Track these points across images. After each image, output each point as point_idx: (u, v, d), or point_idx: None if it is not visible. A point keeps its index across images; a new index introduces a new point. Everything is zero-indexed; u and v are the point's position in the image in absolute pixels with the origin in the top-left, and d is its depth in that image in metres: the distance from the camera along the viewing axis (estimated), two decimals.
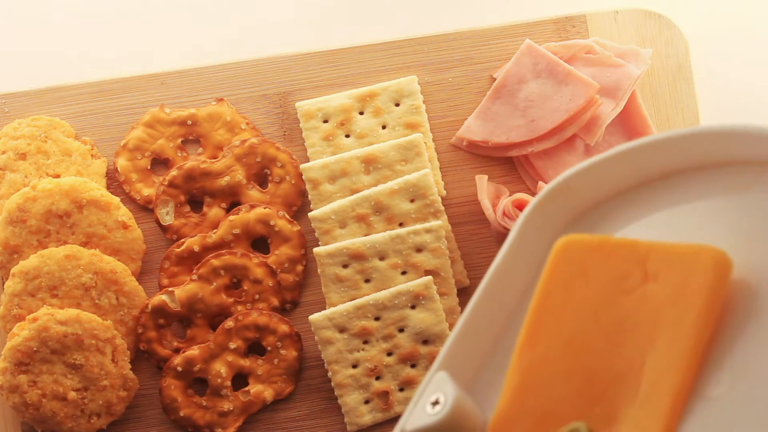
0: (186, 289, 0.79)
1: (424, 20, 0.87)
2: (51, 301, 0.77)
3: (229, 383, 0.79)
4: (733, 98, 0.86)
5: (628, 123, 0.82)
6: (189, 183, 0.81)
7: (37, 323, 0.75)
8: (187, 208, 0.82)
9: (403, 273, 0.79)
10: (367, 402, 0.79)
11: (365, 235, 0.79)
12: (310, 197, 0.81)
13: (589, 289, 0.54)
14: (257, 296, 0.80)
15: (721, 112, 0.85)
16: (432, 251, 0.79)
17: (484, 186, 0.79)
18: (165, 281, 0.81)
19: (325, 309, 0.80)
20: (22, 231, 0.78)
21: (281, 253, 0.81)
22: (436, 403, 0.56)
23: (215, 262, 0.79)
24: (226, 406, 0.79)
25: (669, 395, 0.49)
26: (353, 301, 0.78)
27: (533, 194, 0.80)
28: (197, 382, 0.80)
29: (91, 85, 0.83)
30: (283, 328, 0.80)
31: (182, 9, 0.87)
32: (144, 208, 0.82)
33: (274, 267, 0.80)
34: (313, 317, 0.78)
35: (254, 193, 0.82)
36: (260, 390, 0.79)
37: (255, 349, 0.80)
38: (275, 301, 0.80)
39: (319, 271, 0.79)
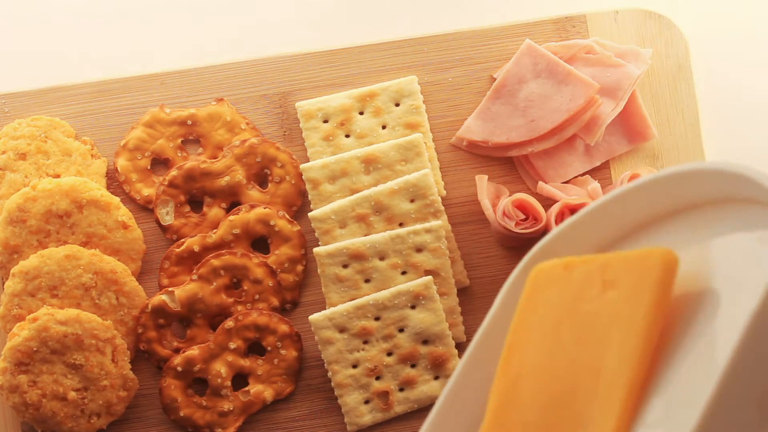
0: (186, 289, 0.79)
1: (424, 20, 0.87)
2: (51, 301, 0.77)
3: (229, 383, 0.79)
4: (733, 98, 0.86)
5: (628, 123, 0.82)
6: (189, 183, 0.81)
7: (37, 323, 0.75)
8: (187, 208, 0.82)
9: (403, 273, 0.79)
10: (367, 402, 0.79)
11: (365, 235, 0.79)
12: (310, 197, 0.81)
13: (555, 307, 0.56)
14: (257, 296, 0.80)
15: (721, 112, 0.86)
16: (432, 251, 0.79)
17: (484, 186, 0.79)
18: (165, 281, 0.81)
19: (325, 309, 0.80)
20: (22, 231, 0.78)
21: (281, 253, 0.81)
22: None
23: (215, 262, 0.79)
24: (226, 406, 0.79)
25: (621, 389, 0.49)
26: (353, 301, 0.78)
27: (533, 194, 0.80)
28: (197, 382, 0.80)
29: (91, 85, 0.83)
30: (283, 328, 0.80)
31: (182, 9, 0.87)
32: (144, 208, 0.82)
33: (274, 267, 0.80)
34: (313, 317, 0.78)
35: (254, 193, 0.82)
36: (260, 390, 0.79)
37: (255, 349, 0.80)
38: (275, 301, 0.80)
39: (319, 271, 0.79)
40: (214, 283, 0.80)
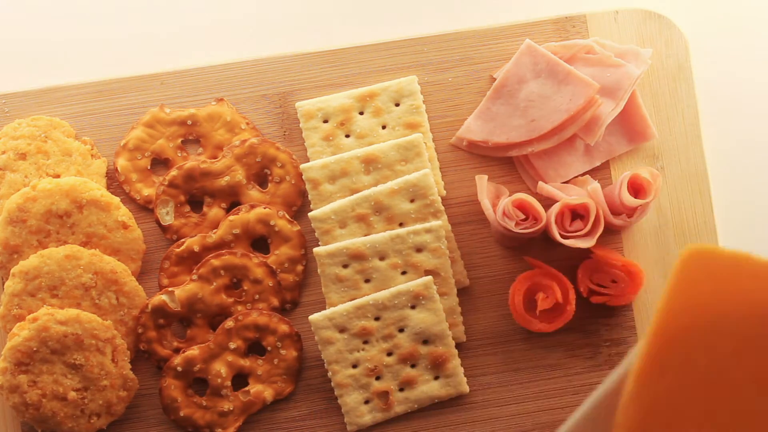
0: (186, 289, 0.79)
1: (424, 20, 0.87)
2: (51, 301, 0.77)
3: (229, 383, 0.79)
4: (733, 98, 0.86)
5: (628, 123, 0.82)
6: (189, 183, 0.81)
7: (37, 323, 0.75)
8: (187, 208, 0.82)
9: (403, 273, 0.79)
10: (367, 402, 0.79)
11: (365, 235, 0.79)
12: (310, 197, 0.81)
13: (727, 315, 0.44)
14: (257, 296, 0.80)
15: (721, 112, 0.86)
16: (432, 251, 0.79)
17: (484, 186, 0.79)
18: (165, 281, 0.81)
19: (325, 309, 0.80)
20: (22, 231, 0.78)
21: (281, 253, 0.81)
22: None
23: (215, 262, 0.79)
24: (226, 406, 0.79)
25: None
26: (353, 301, 0.78)
27: (533, 194, 0.80)
28: (197, 382, 0.80)
29: (91, 85, 0.83)
30: (283, 328, 0.80)
31: (182, 9, 0.87)
32: (144, 208, 0.82)
33: (274, 267, 0.80)
34: (313, 317, 0.78)
35: (254, 193, 0.82)
36: (260, 390, 0.79)
37: (255, 349, 0.80)
38: (275, 301, 0.80)
39: (319, 271, 0.79)
40: (214, 283, 0.80)
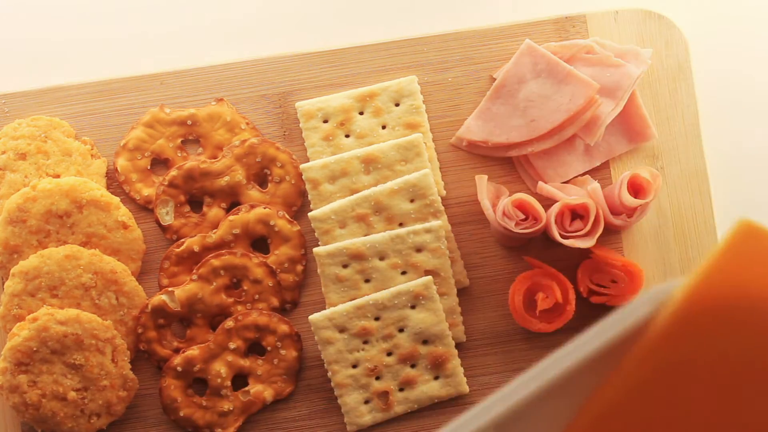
0: (186, 289, 0.79)
1: (424, 20, 0.87)
2: (51, 301, 0.77)
3: (229, 383, 0.79)
4: (733, 98, 0.86)
5: (628, 123, 0.82)
6: (189, 183, 0.81)
7: (37, 323, 0.75)
8: (187, 208, 0.82)
9: (403, 273, 0.79)
10: (367, 402, 0.79)
11: (365, 235, 0.79)
12: (310, 197, 0.81)
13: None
14: (257, 296, 0.80)
15: (721, 112, 0.85)
16: (432, 251, 0.79)
17: (484, 186, 0.79)
18: (165, 281, 0.81)
19: (325, 309, 0.80)
20: (22, 231, 0.78)
21: (281, 253, 0.81)
22: None
23: (215, 262, 0.79)
24: (226, 406, 0.79)
25: None
26: (353, 301, 0.78)
27: (533, 194, 0.80)
28: (197, 382, 0.80)
29: (91, 85, 0.83)
30: (283, 328, 0.80)
31: (182, 9, 0.87)
32: (144, 208, 0.82)
33: (274, 267, 0.80)
34: (313, 317, 0.78)
35: (254, 193, 0.82)
36: (260, 390, 0.79)
37: (255, 349, 0.80)
38: (275, 301, 0.80)
39: (319, 271, 0.79)
40: (214, 283, 0.80)
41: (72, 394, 0.76)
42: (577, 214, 0.77)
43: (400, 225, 0.80)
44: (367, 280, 0.79)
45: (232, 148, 0.81)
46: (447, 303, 0.80)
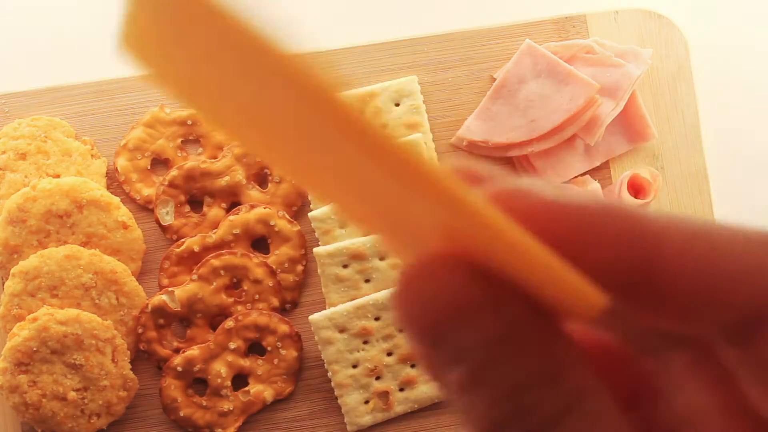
0: (186, 289, 0.79)
1: (424, 20, 0.87)
2: (51, 301, 0.77)
3: (229, 383, 0.79)
4: (733, 98, 0.86)
5: (628, 123, 0.82)
6: (189, 183, 0.81)
7: (37, 323, 0.75)
8: (187, 208, 0.82)
9: None
10: (367, 402, 0.79)
11: (365, 235, 0.79)
12: (310, 197, 0.81)
13: None
14: (257, 296, 0.80)
15: (721, 112, 0.85)
16: None
17: None
18: (165, 281, 0.81)
19: (325, 309, 0.80)
20: (22, 231, 0.78)
21: (281, 253, 0.81)
22: None
23: (215, 262, 0.79)
24: (226, 406, 0.79)
25: None
26: (353, 301, 0.78)
27: None
28: (197, 382, 0.80)
29: (91, 85, 0.83)
30: (283, 328, 0.80)
31: None
32: (144, 208, 0.82)
33: (274, 267, 0.80)
34: (313, 317, 0.78)
35: (254, 193, 0.82)
36: (260, 390, 0.79)
37: (255, 349, 0.80)
38: (275, 301, 0.80)
39: (319, 271, 0.79)
40: (214, 283, 0.80)
41: (72, 394, 0.76)
42: None
43: None
44: (367, 280, 0.79)
45: (232, 148, 0.81)
46: None
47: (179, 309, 0.79)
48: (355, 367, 0.78)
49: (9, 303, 0.77)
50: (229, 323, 0.79)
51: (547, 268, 0.20)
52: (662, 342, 0.25)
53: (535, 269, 0.20)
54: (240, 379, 0.80)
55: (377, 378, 0.79)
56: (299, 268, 0.81)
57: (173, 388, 0.79)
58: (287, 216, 0.81)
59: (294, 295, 0.81)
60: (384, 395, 0.79)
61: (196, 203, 0.82)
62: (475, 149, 0.82)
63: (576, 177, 0.81)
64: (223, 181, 0.81)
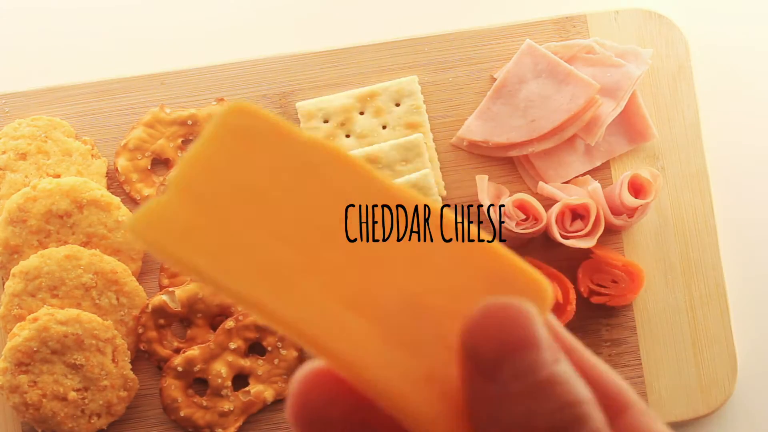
0: (186, 289, 0.79)
1: (424, 20, 0.87)
2: (51, 301, 0.77)
3: (229, 383, 0.79)
4: (733, 98, 0.86)
5: (628, 123, 0.82)
6: None
7: (37, 323, 0.75)
8: None
9: None
10: None
11: None
12: None
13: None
14: None
15: (721, 112, 0.86)
16: None
17: (484, 186, 0.79)
18: (165, 281, 0.81)
19: None
20: (22, 231, 0.78)
21: None
22: None
23: None
24: (227, 406, 0.79)
25: None
26: None
27: (533, 194, 0.80)
28: (197, 382, 0.80)
29: (91, 85, 0.83)
30: None
31: (182, 8, 0.87)
32: None
33: None
34: None
35: None
36: (260, 390, 0.79)
37: (255, 349, 0.80)
38: None
39: None
40: None
41: (72, 394, 0.76)
42: (577, 214, 0.77)
43: None
44: None
45: None
46: None
47: (179, 309, 0.79)
48: None
49: (9, 303, 0.77)
50: (229, 323, 0.79)
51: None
52: None
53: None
54: (240, 379, 0.80)
55: None
56: None
57: (173, 388, 0.79)
58: None
59: None
60: None
61: None
62: (475, 149, 0.82)
63: (576, 177, 0.81)
64: None
